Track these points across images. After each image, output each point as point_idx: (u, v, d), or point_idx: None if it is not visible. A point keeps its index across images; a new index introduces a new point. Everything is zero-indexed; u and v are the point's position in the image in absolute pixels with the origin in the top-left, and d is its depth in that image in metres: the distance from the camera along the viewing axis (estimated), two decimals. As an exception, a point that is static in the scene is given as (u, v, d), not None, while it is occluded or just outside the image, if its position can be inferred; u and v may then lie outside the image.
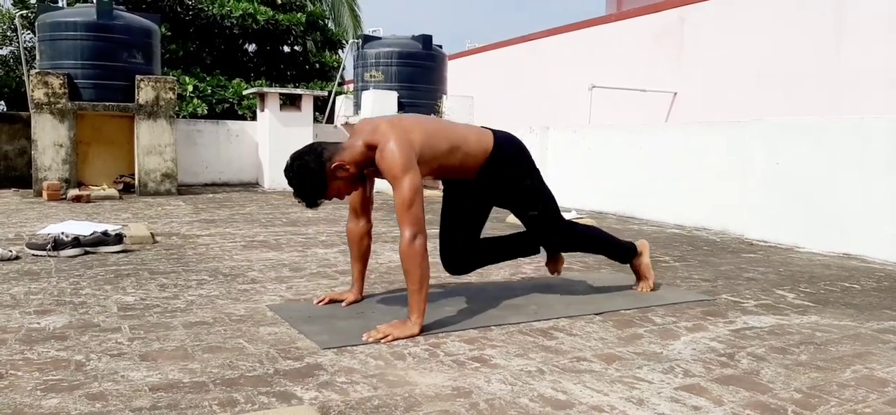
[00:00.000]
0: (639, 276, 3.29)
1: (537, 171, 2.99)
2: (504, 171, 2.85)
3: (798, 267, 4.09)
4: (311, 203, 2.59)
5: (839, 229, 4.65)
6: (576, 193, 7.43)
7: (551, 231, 3.02)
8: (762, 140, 5.24)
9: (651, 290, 3.24)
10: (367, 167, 2.62)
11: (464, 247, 3.00)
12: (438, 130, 2.74)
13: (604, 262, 4.01)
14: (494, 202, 3.00)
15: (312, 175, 2.54)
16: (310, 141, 9.35)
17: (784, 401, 1.91)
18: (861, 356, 2.33)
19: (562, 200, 7.43)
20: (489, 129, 2.92)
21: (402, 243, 2.43)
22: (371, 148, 2.56)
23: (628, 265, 3.31)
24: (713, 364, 2.21)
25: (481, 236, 3.08)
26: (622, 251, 3.26)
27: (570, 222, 3.15)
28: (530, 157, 2.97)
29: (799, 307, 3.04)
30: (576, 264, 3.99)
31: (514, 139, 2.95)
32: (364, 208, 2.83)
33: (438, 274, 3.58)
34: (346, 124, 10.35)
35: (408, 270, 2.43)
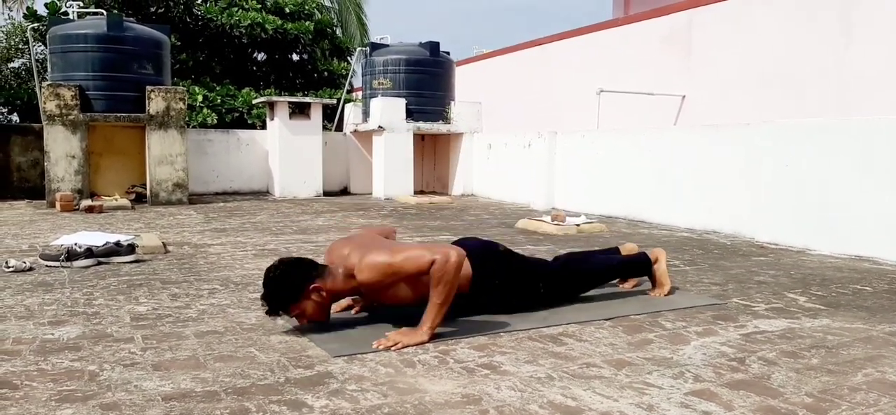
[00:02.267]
0: (654, 282, 3.29)
1: (515, 257, 2.97)
2: (490, 283, 2.80)
3: (809, 270, 4.07)
4: (273, 310, 2.55)
5: (850, 231, 4.62)
6: (585, 198, 7.41)
7: (565, 286, 3.04)
8: (771, 142, 5.22)
9: (667, 294, 3.23)
10: (348, 296, 2.72)
11: (572, 289, 3.06)
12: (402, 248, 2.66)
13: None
14: (502, 311, 2.90)
15: (290, 287, 2.50)
16: (319, 148, 9.43)
17: (795, 405, 1.90)
18: (873, 359, 2.32)
19: (572, 205, 7.45)
20: (451, 245, 2.71)
21: (438, 264, 2.42)
22: (351, 277, 2.55)
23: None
24: (723, 369, 2.20)
25: None
26: (638, 267, 3.28)
27: (571, 270, 3.11)
28: (503, 254, 2.93)
29: (810, 310, 3.02)
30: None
31: (479, 242, 2.93)
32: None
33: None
34: (355, 132, 10.39)
35: (438, 283, 2.43)
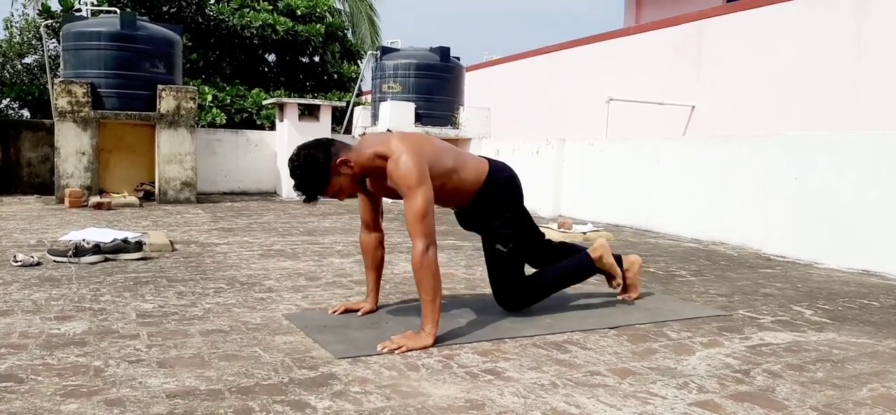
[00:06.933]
0: (626, 287, 3.32)
1: (523, 211, 2.99)
2: (491, 198, 2.85)
3: (816, 283, 4.05)
4: (311, 196, 2.56)
5: (859, 245, 4.60)
6: (592, 206, 7.40)
7: (507, 277, 2.88)
8: (781, 154, 5.20)
9: (636, 299, 3.29)
10: (372, 175, 2.63)
11: (509, 288, 2.91)
12: (444, 149, 2.77)
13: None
14: (479, 230, 2.95)
15: (317, 166, 2.52)
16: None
17: (799, 419, 1.89)
18: (878, 375, 2.30)
19: (579, 213, 7.44)
20: (486, 158, 2.93)
21: (415, 255, 2.44)
22: (380, 158, 2.56)
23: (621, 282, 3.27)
24: (728, 380, 2.20)
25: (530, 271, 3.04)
26: (587, 269, 3.15)
27: (528, 280, 2.97)
28: (520, 193, 2.96)
29: (816, 324, 3.01)
30: (591, 279, 3.97)
31: (507, 170, 2.95)
32: (375, 219, 2.86)
33: (453, 285, 3.59)
34: (364, 135, 10.41)
35: (421, 281, 2.45)
